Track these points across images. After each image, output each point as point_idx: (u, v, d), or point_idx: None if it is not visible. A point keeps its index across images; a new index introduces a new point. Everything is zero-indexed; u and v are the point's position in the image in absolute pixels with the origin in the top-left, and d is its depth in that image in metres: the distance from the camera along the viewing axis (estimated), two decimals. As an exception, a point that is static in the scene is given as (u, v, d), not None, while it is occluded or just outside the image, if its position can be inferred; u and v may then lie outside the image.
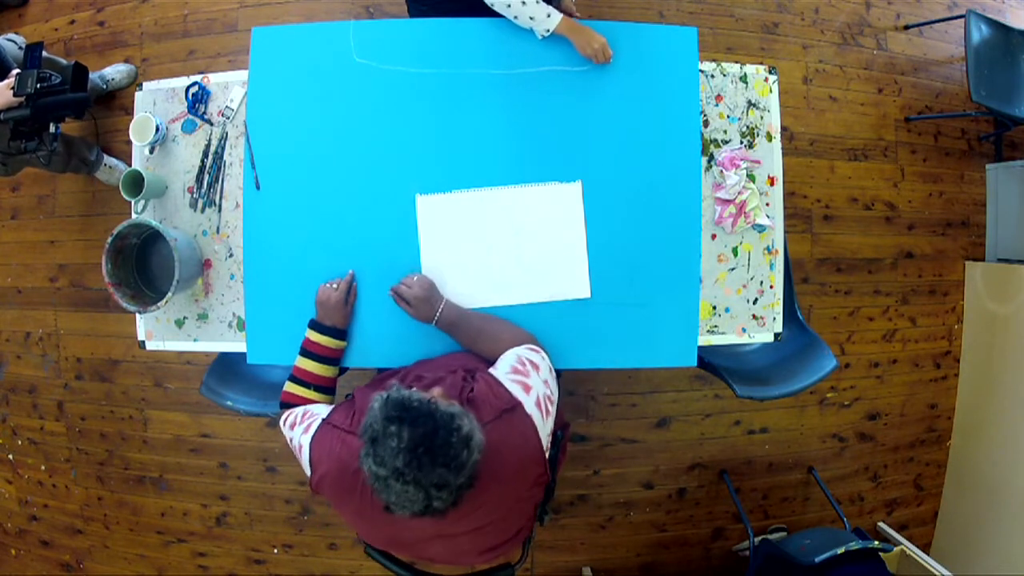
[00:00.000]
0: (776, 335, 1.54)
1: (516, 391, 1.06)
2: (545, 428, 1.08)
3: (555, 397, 1.14)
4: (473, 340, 1.32)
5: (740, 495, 2.37)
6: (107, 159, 2.28)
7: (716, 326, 1.52)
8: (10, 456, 2.54)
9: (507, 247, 1.44)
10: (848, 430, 2.50)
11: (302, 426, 1.12)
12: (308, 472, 1.09)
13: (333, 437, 1.06)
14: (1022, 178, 2.45)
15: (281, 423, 1.20)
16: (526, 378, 1.09)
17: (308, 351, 1.32)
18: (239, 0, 2.40)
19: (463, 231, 1.44)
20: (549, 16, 1.36)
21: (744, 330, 1.52)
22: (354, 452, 0.96)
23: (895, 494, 2.56)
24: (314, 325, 1.34)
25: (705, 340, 1.50)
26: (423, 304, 1.33)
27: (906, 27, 2.57)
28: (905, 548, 2.03)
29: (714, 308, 1.52)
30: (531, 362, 1.13)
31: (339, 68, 1.45)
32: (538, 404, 1.07)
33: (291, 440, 1.14)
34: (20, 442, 2.53)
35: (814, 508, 2.48)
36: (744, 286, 1.53)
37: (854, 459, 2.51)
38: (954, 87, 2.61)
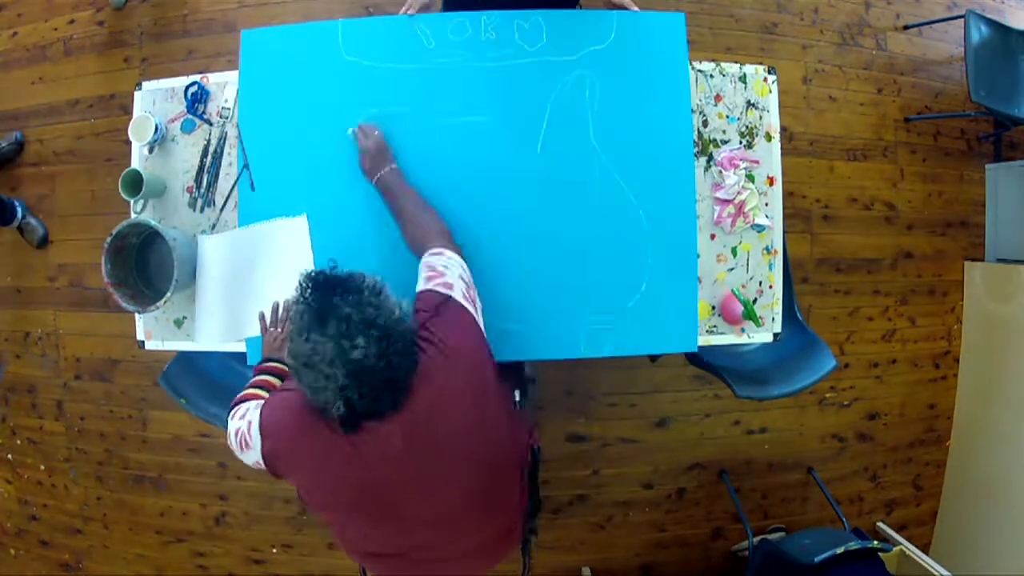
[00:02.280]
0: (775, 335, 1.54)
1: (441, 290, 1.08)
2: (479, 317, 1.11)
3: (475, 289, 1.17)
4: (400, 215, 1.32)
5: (739, 495, 2.36)
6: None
7: (715, 326, 1.52)
8: (9, 456, 2.54)
9: (246, 282, 1.47)
10: (847, 430, 2.50)
11: (248, 406, 1.10)
12: (258, 445, 1.02)
13: (281, 397, 1.05)
14: (1021, 178, 2.45)
15: (228, 419, 1.14)
16: (443, 277, 1.11)
17: (276, 373, 1.28)
18: (238, 0, 2.40)
19: (220, 270, 1.48)
20: None
21: (743, 330, 1.52)
22: (302, 397, 0.95)
23: (894, 494, 2.56)
24: (269, 365, 1.28)
25: (704, 340, 1.50)
26: (372, 158, 1.35)
27: (905, 27, 2.57)
28: (904, 548, 2.03)
29: (713, 308, 1.52)
30: (441, 265, 1.14)
31: (329, 67, 1.45)
32: (465, 296, 1.09)
33: (238, 430, 1.07)
34: (19, 442, 2.53)
35: (813, 508, 2.48)
36: (743, 286, 1.52)
37: (853, 459, 2.51)
38: (954, 87, 2.60)
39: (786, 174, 2.39)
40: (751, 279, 1.53)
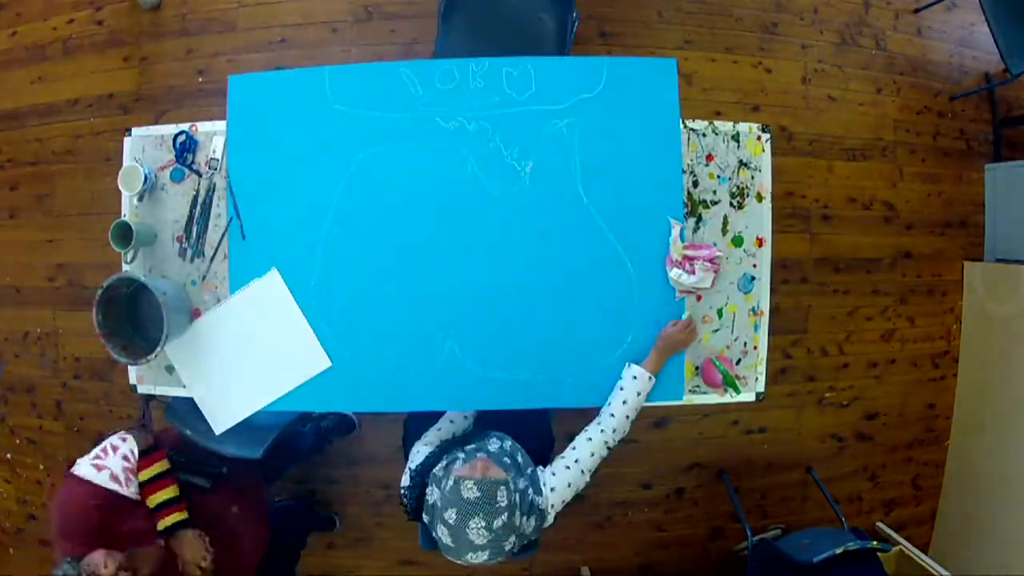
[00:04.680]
0: (758, 395, 1.54)
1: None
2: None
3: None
4: None
5: (738, 495, 2.36)
6: None
7: (698, 386, 1.51)
8: (8, 455, 2.54)
9: (244, 353, 1.49)
10: (846, 430, 2.50)
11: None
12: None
13: None
14: (1021, 178, 2.45)
15: None
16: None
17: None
18: (238, 0, 2.40)
19: (214, 356, 1.50)
20: (636, 378, 1.38)
21: (725, 390, 1.51)
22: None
23: (893, 494, 2.56)
24: None
25: (688, 400, 1.50)
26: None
27: (915, 11, 2.55)
28: (904, 548, 2.03)
29: (697, 368, 1.51)
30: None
31: (317, 114, 1.45)
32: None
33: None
34: (19, 441, 2.53)
35: (812, 508, 2.48)
36: (728, 347, 1.52)
37: (852, 459, 2.51)
38: (953, 87, 2.60)
39: (785, 174, 2.42)
40: (736, 340, 1.52)
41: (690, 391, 1.51)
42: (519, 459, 1.28)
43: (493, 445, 1.26)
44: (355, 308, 1.45)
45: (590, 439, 1.31)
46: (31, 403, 2.51)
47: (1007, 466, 2.29)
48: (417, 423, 1.73)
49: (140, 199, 1.51)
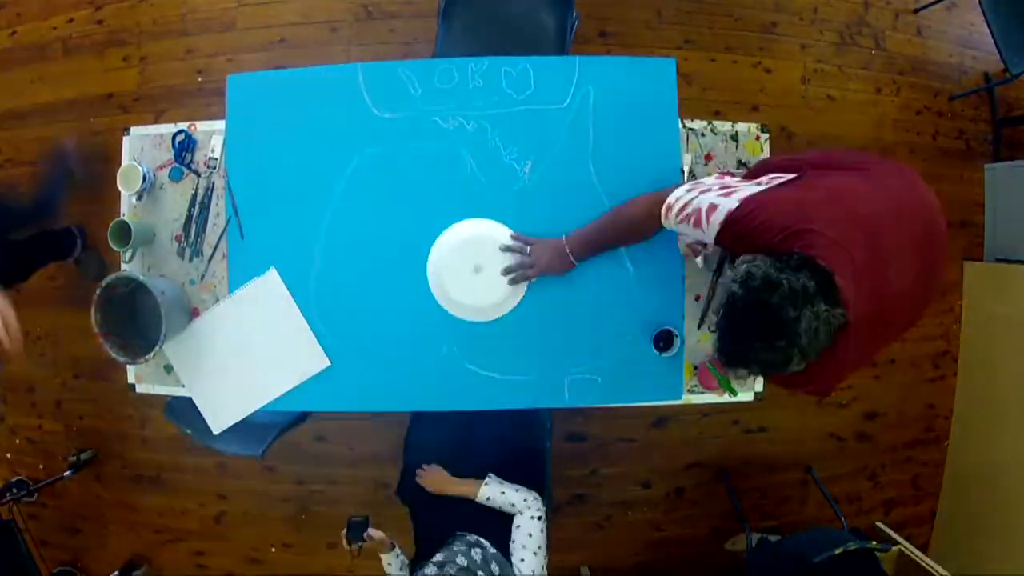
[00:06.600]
0: (757, 395, 1.53)
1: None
2: None
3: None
4: (613, 238, 1.36)
5: (738, 495, 2.36)
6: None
7: (696, 386, 1.51)
8: (8, 455, 2.54)
9: (243, 352, 1.48)
10: (846, 430, 2.50)
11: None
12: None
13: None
14: (1020, 178, 2.45)
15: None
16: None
17: None
18: (237, 0, 2.40)
19: (212, 356, 1.50)
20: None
21: (724, 391, 1.50)
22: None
23: (893, 494, 2.56)
24: None
25: (687, 399, 1.50)
26: (550, 264, 1.38)
27: (915, 10, 2.55)
28: (903, 548, 2.03)
29: (695, 368, 1.51)
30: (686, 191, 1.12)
31: (315, 113, 1.45)
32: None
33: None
34: (18, 441, 2.53)
35: (812, 507, 2.48)
36: None
37: (852, 459, 2.51)
38: (952, 87, 2.60)
39: (785, 174, 2.42)
40: None
41: (689, 391, 1.50)
42: (493, 567, 1.27)
43: (461, 559, 1.24)
44: (354, 308, 1.45)
45: (518, 526, 1.37)
46: (31, 402, 2.51)
47: (1006, 466, 2.29)
48: (421, 425, 1.72)
49: (139, 198, 1.51)
